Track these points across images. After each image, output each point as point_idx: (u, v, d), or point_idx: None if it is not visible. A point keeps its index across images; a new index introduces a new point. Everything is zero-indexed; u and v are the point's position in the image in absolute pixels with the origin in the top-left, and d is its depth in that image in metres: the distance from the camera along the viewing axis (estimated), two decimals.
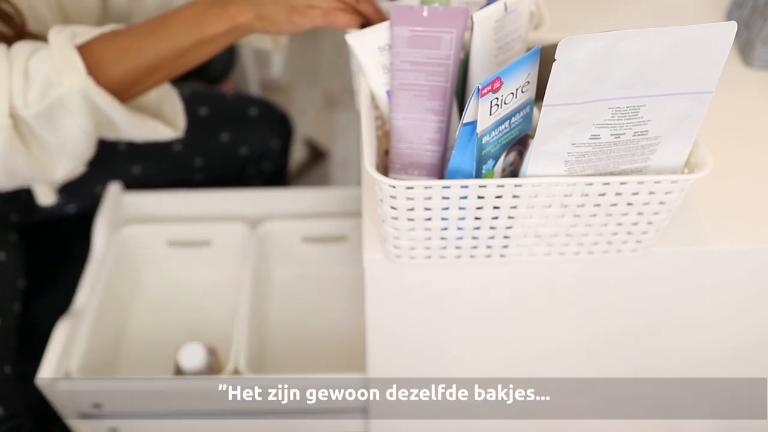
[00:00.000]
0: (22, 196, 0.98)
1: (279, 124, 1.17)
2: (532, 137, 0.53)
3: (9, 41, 0.75)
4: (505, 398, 0.83)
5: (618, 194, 0.53)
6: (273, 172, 1.20)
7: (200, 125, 1.08)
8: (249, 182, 1.18)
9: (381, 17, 0.68)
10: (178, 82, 1.02)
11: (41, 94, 0.69)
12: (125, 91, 0.74)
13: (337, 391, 0.84)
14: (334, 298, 1.07)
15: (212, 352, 0.91)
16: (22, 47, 0.70)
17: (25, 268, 0.94)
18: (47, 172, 0.77)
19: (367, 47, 0.58)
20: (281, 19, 0.69)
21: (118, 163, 1.05)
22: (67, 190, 1.02)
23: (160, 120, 0.82)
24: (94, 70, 0.71)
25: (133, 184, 1.07)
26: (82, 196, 1.05)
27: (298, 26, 0.69)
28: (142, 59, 0.72)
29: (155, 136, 0.81)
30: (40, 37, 0.78)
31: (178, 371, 0.88)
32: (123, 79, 0.73)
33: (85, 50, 0.71)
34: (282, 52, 0.98)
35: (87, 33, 0.72)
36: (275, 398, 0.85)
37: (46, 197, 0.92)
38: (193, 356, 0.87)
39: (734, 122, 0.74)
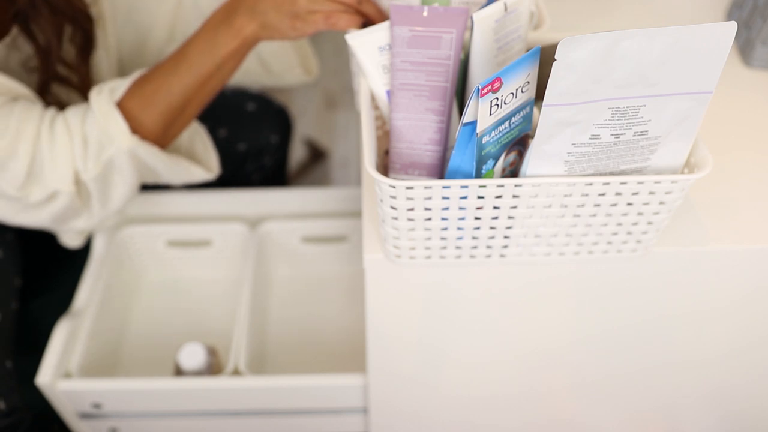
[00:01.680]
0: None
1: (277, 119, 1.17)
2: (532, 137, 0.53)
3: (75, 87, 0.81)
4: (504, 398, 0.83)
5: (618, 194, 0.53)
6: (273, 167, 1.20)
7: (198, 121, 1.08)
8: (249, 177, 1.18)
9: (383, 17, 0.69)
10: None
11: (96, 158, 0.73)
12: (164, 135, 0.78)
13: (337, 391, 0.85)
14: (334, 298, 1.07)
15: (212, 352, 0.91)
16: (74, 113, 0.74)
17: (22, 266, 0.94)
18: (79, 224, 0.81)
19: (367, 47, 0.58)
20: (284, 27, 0.70)
21: None
22: None
23: (193, 159, 0.85)
24: (133, 124, 0.74)
25: None
26: None
27: (302, 32, 0.70)
28: (172, 98, 0.75)
29: (191, 179, 0.84)
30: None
31: (178, 371, 0.88)
32: (160, 123, 0.76)
33: (123, 106, 0.74)
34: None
35: (122, 85, 0.75)
36: (275, 398, 0.85)
37: (73, 240, 0.94)
38: (193, 356, 0.87)
39: (734, 122, 0.74)
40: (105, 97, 0.73)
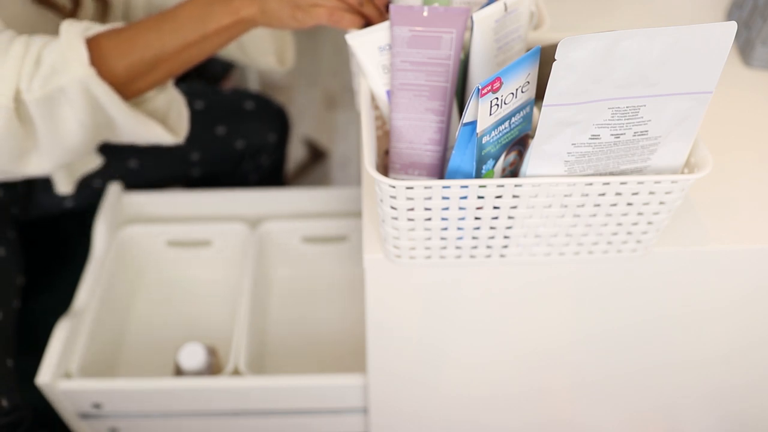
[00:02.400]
0: (20, 189, 0.99)
1: (275, 118, 1.17)
2: (532, 137, 0.53)
3: (67, 13, 0.79)
4: (504, 398, 0.83)
5: (618, 194, 0.53)
6: (270, 167, 1.20)
7: (196, 119, 1.08)
8: (246, 176, 1.18)
9: (383, 19, 0.68)
10: (177, 82, 1.02)
11: (45, 81, 0.70)
12: (128, 86, 0.75)
13: (336, 391, 0.85)
14: (334, 298, 1.07)
15: (212, 352, 0.91)
16: (41, 38, 0.71)
17: (24, 264, 0.94)
18: (36, 162, 0.77)
19: (367, 47, 0.58)
20: (285, 15, 0.70)
21: (114, 157, 1.06)
22: None
23: (163, 125, 0.82)
24: (98, 61, 0.71)
25: (129, 177, 1.07)
26: (80, 191, 1.05)
27: (302, 23, 0.70)
28: (147, 52, 0.73)
29: (155, 139, 0.81)
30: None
31: (178, 371, 0.88)
32: (126, 72, 0.73)
33: (92, 42, 0.71)
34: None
35: (99, 27, 0.73)
36: (275, 398, 0.85)
37: (64, 186, 0.93)
38: (193, 356, 0.87)
39: (734, 122, 0.74)
40: (76, 28, 0.71)
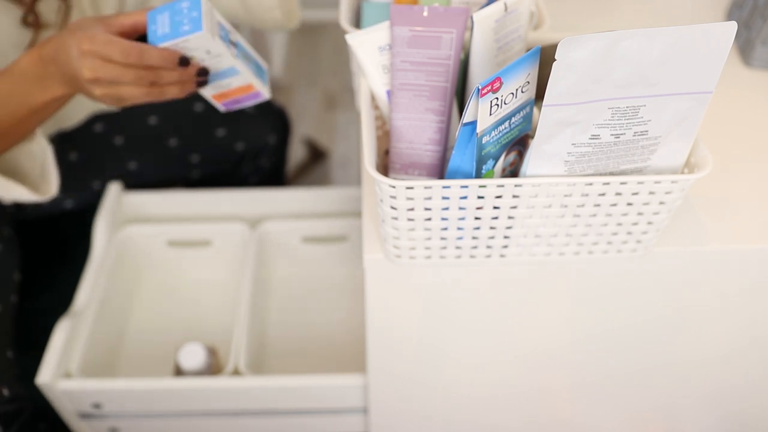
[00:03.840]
0: None
1: (276, 120, 1.17)
2: (532, 137, 0.53)
3: (26, 4, 0.78)
4: (504, 398, 0.83)
5: (618, 194, 0.53)
6: (270, 168, 1.20)
7: (195, 121, 1.08)
8: (246, 178, 1.18)
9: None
10: None
11: None
12: None
13: (336, 391, 0.85)
14: (334, 298, 1.07)
15: (212, 352, 0.91)
16: None
17: (21, 263, 0.94)
18: None
19: (367, 47, 0.58)
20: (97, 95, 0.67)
21: (113, 158, 1.06)
22: (64, 185, 1.02)
23: (21, 178, 0.79)
24: None
25: (129, 179, 1.07)
26: (79, 193, 1.05)
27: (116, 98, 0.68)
28: None
29: (17, 198, 0.79)
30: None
31: (178, 371, 0.88)
32: None
33: None
34: (284, 50, 0.97)
35: None
36: (275, 398, 0.85)
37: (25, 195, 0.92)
38: (193, 356, 0.87)
39: (734, 122, 0.74)
40: None
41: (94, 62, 0.64)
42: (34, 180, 0.82)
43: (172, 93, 0.68)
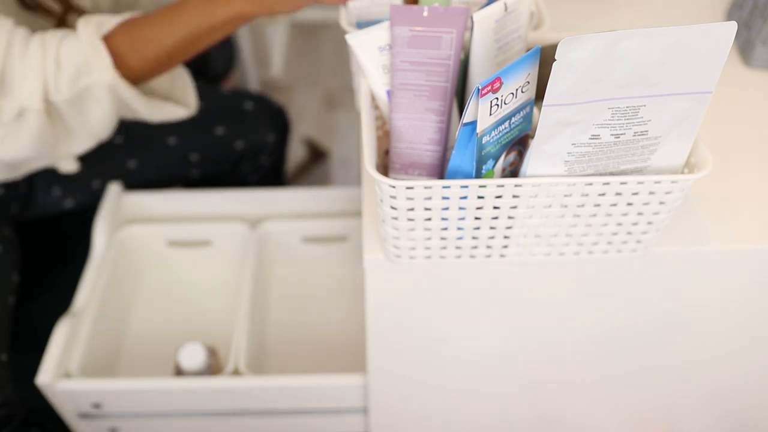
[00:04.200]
0: (21, 188, 0.99)
1: (275, 118, 1.17)
2: (532, 137, 0.53)
3: (57, 17, 0.82)
4: (505, 398, 0.83)
5: (618, 194, 0.53)
6: (270, 167, 1.20)
7: (195, 120, 1.08)
8: (246, 177, 1.18)
9: None
10: None
11: (71, 82, 0.74)
12: (143, 78, 0.79)
13: (336, 391, 0.85)
14: (334, 298, 1.07)
15: (212, 352, 0.91)
16: (53, 35, 0.75)
17: (20, 263, 0.94)
18: (69, 148, 0.83)
19: (367, 47, 0.58)
20: (281, 1, 0.73)
21: (114, 157, 1.06)
22: (64, 185, 1.02)
23: (172, 100, 0.86)
24: (116, 60, 0.76)
25: (128, 178, 1.07)
26: (79, 192, 1.05)
27: (295, 4, 0.73)
28: (161, 48, 0.77)
29: (170, 116, 0.86)
30: (87, 11, 0.85)
31: (178, 371, 0.88)
32: (143, 68, 0.78)
33: (109, 42, 0.75)
34: (284, 50, 0.99)
35: (110, 22, 0.76)
36: (275, 398, 0.85)
37: (68, 165, 0.95)
38: (193, 356, 0.87)
39: (734, 122, 0.74)
40: (92, 28, 0.75)
41: None
42: (180, 99, 0.88)
43: None
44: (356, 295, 1.07)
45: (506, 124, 0.52)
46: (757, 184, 0.68)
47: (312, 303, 1.07)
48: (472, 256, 0.60)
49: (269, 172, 1.21)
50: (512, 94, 0.50)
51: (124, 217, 1.06)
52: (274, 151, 1.18)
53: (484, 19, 0.56)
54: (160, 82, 0.85)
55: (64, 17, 0.84)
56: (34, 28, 0.82)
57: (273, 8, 0.74)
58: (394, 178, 0.59)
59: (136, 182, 1.08)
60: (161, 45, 0.76)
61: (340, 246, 1.07)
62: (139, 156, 1.07)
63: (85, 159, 1.03)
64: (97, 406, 0.85)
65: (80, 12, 0.85)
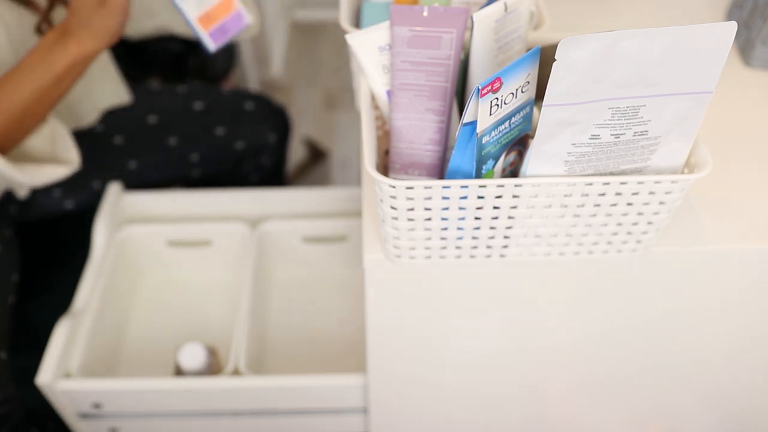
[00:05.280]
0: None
1: (275, 118, 1.17)
2: (532, 137, 0.53)
3: (43, 11, 0.82)
4: (504, 398, 0.83)
5: (618, 194, 0.53)
6: (271, 168, 1.20)
7: (195, 120, 1.08)
8: (246, 177, 1.18)
9: None
10: (178, 82, 1.01)
11: None
12: (6, 145, 0.80)
13: (336, 391, 0.85)
14: (334, 298, 1.07)
15: (212, 352, 0.91)
16: None
17: (20, 264, 0.94)
18: None
19: (367, 47, 0.58)
20: (111, 24, 0.74)
21: (114, 158, 1.06)
22: (64, 186, 1.02)
23: (56, 160, 0.86)
24: None
25: (129, 179, 1.07)
26: (79, 193, 1.05)
27: (118, 22, 0.74)
28: (12, 111, 0.77)
29: (52, 178, 0.85)
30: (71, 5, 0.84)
31: (178, 371, 0.88)
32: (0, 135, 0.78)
33: None
34: (284, 50, 0.99)
35: None
36: (275, 398, 0.85)
37: (23, 190, 0.96)
38: (193, 356, 0.87)
39: (734, 122, 0.74)
40: None
41: None
42: (60, 154, 0.88)
43: None
44: (356, 295, 1.07)
45: (506, 124, 0.52)
46: (757, 184, 0.68)
47: (312, 303, 1.07)
48: (472, 256, 0.60)
49: (270, 172, 1.21)
50: (512, 94, 0.50)
51: (124, 217, 1.06)
52: (275, 151, 1.18)
53: (484, 19, 0.56)
54: (40, 143, 0.85)
55: (49, 11, 0.84)
56: (20, 21, 0.82)
57: (110, 38, 0.75)
58: (394, 178, 0.59)
59: (136, 183, 1.08)
60: (11, 109, 0.77)
61: (340, 246, 1.07)
62: (140, 157, 1.07)
63: (86, 160, 1.03)
64: (97, 406, 0.85)
65: (64, 3, 0.85)
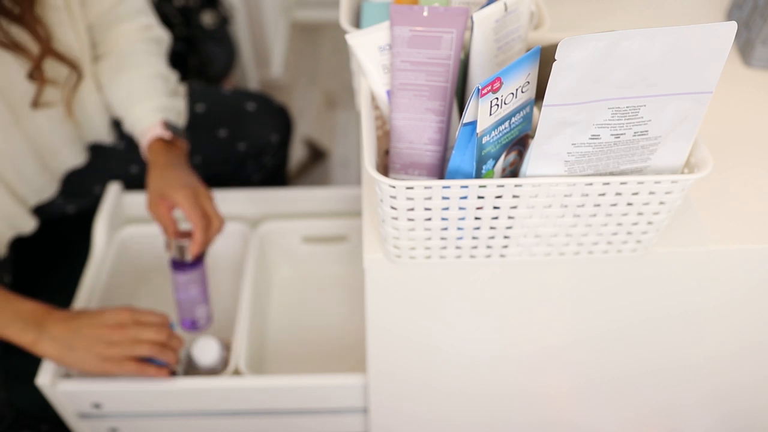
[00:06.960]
0: None
1: (277, 118, 1.17)
2: (532, 137, 0.53)
3: (35, 59, 0.81)
4: (505, 398, 0.83)
5: (618, 194, 0.53)
6: (273, 167, 1.20)
7: (197, 122, 1.08)
8: (249, 177, 1.18)
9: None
10: (178, 81, 1.01)
11: None
12: None
13: (337, 391, 0.85)
14: (334, 298, 1.07)
15: (227, 347, 0.91)
16: None
17: (12, 264, 0.94)
18: None
19: (367, 47, 0.58)
20: (91, 365, 0.76)
21: (116, 162, 1.06)
22: (66, 190, 1.02)
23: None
24: None
25: (131, 183, 1.07)
26: (81, 196, 1.05)
27: (110, 373, 0.77)
28: None
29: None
30: (65, 58, 0.85)
31: (190, 365, 0.88)
32: None
33: None
34: (283, 50, 0.99)
35: None
36: (275, 398, 0.85)
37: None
38: (207, 350, 0.87)
39: (734, 122, 0.74)
40: None
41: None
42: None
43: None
44: (356, 295, 1.07)
45: (506, 124, 0.52)
46: (757, 184, 0.68)
47: (312, 303, 1.07)
48: (472, 256, 0.60)
49: (272, 172, 1.21)
50: (512, 94, 0.50)
51: (124, 218, 1.06)
52: (278, 151, 1.18)
53: (484, 19, 0.56)
54: None
55: (41, 60, 0.83)
56: (8, 69, 0.82)
57: (79, 367, 0.77)
58: (394, 178, 0.59)
59: (138, 187, 1.08)
60: None
61: (340, 246, 1.07)
62: (141, 161, 1.06)
63: (88, 164, 1.03)
64: (97, 406, 0.85)
65: (58, 57, 0.84)
